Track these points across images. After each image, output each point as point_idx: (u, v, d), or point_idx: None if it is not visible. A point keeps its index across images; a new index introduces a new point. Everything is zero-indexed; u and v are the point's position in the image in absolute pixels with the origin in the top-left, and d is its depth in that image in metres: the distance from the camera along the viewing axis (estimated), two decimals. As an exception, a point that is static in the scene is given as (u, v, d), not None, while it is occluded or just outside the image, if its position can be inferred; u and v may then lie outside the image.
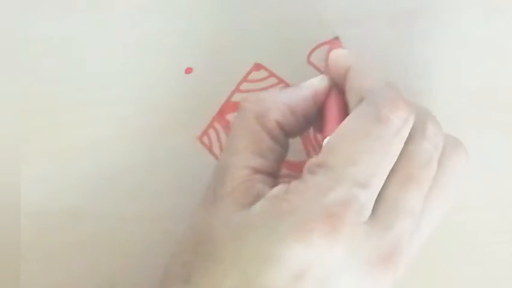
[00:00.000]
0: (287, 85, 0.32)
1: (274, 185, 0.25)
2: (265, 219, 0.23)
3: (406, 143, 0.24)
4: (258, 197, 0.24)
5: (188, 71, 0.32)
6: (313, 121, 0.28)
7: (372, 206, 0.23)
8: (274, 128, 0.26)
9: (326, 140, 0.25)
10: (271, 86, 0.32)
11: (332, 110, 0.27)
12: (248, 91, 0.32)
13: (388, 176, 0.24)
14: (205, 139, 0.32)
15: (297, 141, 0.32)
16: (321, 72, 0.32)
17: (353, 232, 0.22)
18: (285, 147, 0.27)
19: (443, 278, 0.31)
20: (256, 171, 0.26)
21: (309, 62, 0.32)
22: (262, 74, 0.32)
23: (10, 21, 0.30)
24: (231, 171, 0.25)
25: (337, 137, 0.24)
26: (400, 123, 0.24)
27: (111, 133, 0.32)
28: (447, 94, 0.32)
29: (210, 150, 0.32)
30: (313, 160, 0.24)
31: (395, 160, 0.24)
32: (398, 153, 0.24)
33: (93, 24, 0.32)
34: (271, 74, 0.32)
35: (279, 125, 0.26)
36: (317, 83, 0.28)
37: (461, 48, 0.32)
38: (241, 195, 0.25)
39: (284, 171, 0.31)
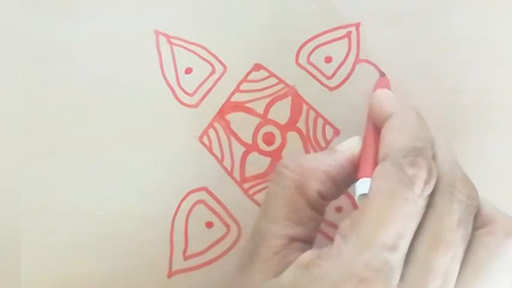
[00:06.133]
0: (287, 85, 0.32)
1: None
2: (296, 286, 0.23)
3: (435, 203, 0.24)
4: (290, 264, 0.25)
5: (188, 71, 0.32)
6: (351, 183, 0.27)
7: (401, 269, 0.23)
8: (315, 198, 0.26)
9: (359, 181, 0.25)
10: (271, 86, 0.32)
11: (368, 150, 0.27)
12: (248, 91, 0.32)
13: (416, 238, 0.23)
14: (205, 139, 0.32)
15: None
16: (321, 72, 0.32)
17: None
18: (323, 213, 0.27)
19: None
20: (294, 239, 0.25)
21: (309, 62, 0.32)
22: (262, 74, 0.32)
23: (10, 22, 0.30)
24: (268, 240, 0.25)
25: (368, 196, 0.24)
26: (422, 184, 0.23)
27: (111, 133, 0.32)
28: (447, 94, 0.31)
29: (210, 150, 0.32)
30: (347, 222, 0.24)
31: (420, 220, 0.23)
32: (423, 212, 0.23)
33: (93, 25, 0.32)
34: (271, 74, 0.32)
35: (319, 193, 0.26)
36: (354, 146, 0.27)
37: (461, 48, 0.32)
38: (275, 264, 0.25)
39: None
